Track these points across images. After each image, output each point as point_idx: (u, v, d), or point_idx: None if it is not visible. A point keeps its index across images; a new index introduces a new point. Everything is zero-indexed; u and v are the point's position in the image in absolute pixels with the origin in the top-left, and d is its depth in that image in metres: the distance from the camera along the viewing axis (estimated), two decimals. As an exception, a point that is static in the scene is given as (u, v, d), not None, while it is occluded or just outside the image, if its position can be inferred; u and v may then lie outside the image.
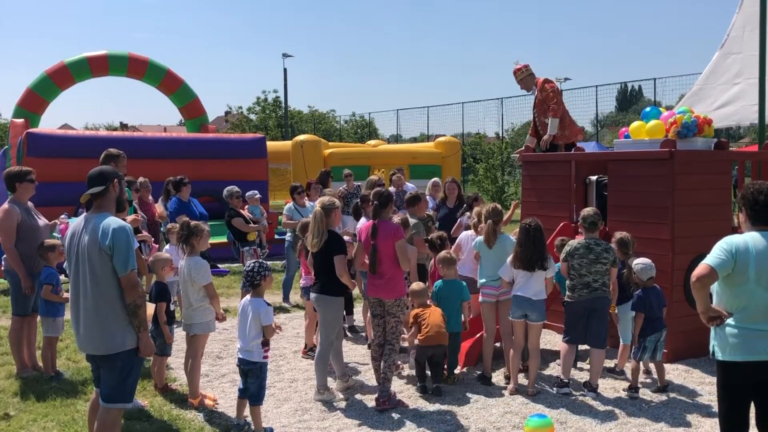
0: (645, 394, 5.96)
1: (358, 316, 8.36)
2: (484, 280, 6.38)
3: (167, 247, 8.24)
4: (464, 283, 6.46)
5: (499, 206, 6.54)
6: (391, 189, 10.47)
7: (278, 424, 5.37)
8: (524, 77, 8.77)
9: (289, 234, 9.62)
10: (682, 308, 6.74)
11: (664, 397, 5.87)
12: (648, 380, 6.31)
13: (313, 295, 6.00)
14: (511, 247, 6.12)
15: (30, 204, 6.47)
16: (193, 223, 5.82)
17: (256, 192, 10.24)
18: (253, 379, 5.13)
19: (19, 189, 6.30)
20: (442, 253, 6.49)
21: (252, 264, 5.27)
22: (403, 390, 6.13)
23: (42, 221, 6.48)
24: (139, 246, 6.63)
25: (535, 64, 8.90)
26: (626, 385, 6.07)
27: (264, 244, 9.95)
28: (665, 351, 6.76)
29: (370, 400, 5.84)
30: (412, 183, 12.70)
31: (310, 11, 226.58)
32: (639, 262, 6.00)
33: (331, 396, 5.87)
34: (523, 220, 6.11)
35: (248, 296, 5.25)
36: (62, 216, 6.80)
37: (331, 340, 5.93)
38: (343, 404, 5.78)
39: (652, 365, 6.26)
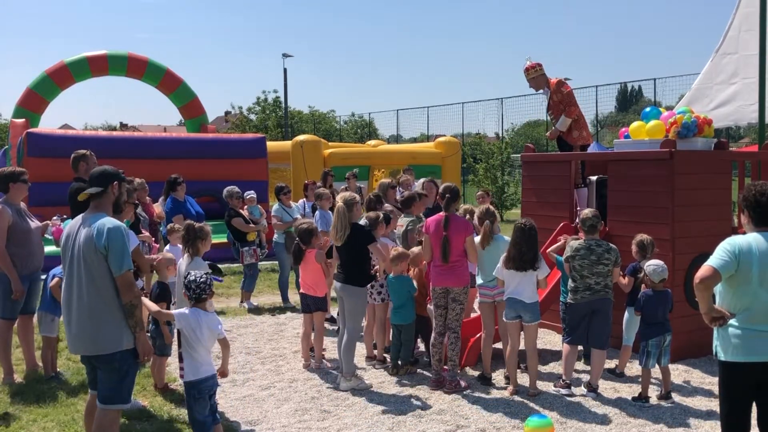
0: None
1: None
2: (480, 281, 6.39)
3: (167, 247, 8.23)
4: (410, 278, 6.62)
5: (492, 207, 6.63)
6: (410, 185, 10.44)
7: (278, 424, 5.37)
8: (536, 76, 8.66)
9: (277, 234, 9.64)
10: (682, 308, 6.74)
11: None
12: (652, 383, 6.29)
13: (338, 284, 6.27)
14: (506, 248, 6.09)
15: (22, 205, 6.33)
16: (197, 225, 5.76)
17: (251, 192, 10.24)
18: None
19: (12, 189, 6.15)
20: (398, 251, 6.62)
21: (196, 276, 4.65)
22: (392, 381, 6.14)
23: (34, 223, 6.32)
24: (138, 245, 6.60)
25: (536, 64, 8.84)
26: (627, 387, 6.06)
27: (264, 244, 9.95)
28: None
29: (369, 400, 5.85)
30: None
31: (310, 11, 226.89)
32: (651, 264, 5.83)
33: (359, 382, 6.07)
34: (517, 221, 6.10)
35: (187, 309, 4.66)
36: (54, 218, 6.71)
37: (359, 328, 6.28)
38: (350, 400, 5.83)
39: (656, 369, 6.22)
